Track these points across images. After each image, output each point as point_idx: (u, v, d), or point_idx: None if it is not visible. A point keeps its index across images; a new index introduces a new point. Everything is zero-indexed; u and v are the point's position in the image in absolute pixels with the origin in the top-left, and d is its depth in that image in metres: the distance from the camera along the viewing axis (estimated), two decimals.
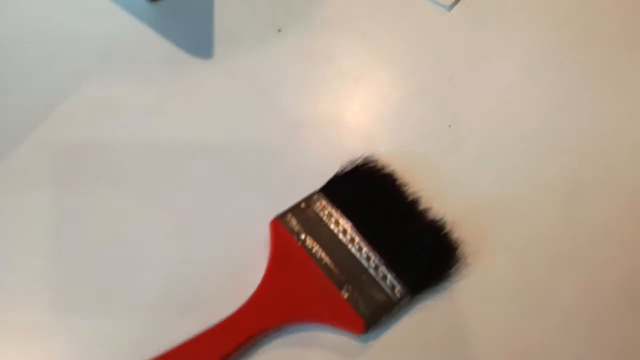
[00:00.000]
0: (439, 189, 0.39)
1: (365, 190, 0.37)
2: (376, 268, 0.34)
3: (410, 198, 0.37)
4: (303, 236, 0.35)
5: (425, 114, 0.43)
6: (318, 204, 0.36)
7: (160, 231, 0.37)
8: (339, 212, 0.36)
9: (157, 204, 0.38)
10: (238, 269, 0.35)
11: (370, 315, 0.33)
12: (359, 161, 0.38)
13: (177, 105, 0.42)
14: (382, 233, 0.35)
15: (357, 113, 0.43)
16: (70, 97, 0.42)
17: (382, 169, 0.38)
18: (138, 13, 0.46)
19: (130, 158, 0.40)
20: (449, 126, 0.43)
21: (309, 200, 0.36)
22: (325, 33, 0.46)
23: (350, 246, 0.34)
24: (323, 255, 0.34)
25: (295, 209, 0.36)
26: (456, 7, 0.50)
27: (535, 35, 0.49)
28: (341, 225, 0.35)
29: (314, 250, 0.34)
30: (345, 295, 0.33)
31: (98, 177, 0.39)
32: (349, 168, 0.38)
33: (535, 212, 0.39)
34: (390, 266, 0.34)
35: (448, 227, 0.36)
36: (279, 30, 0.46)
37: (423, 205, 0.37)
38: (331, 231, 0.35)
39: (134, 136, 0.40)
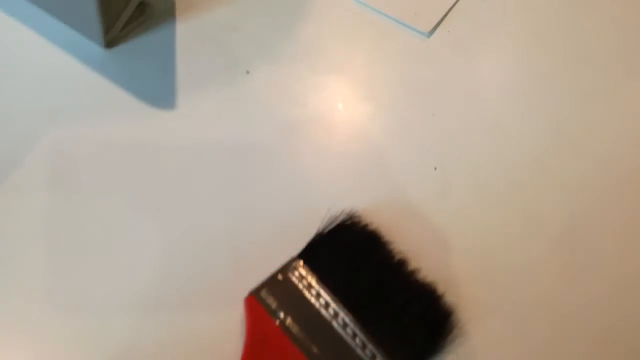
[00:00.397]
0: (427, 243, 0.35)
1: (348, 254, 0.33)
2: (363, 347, 0.30)
3: (397, 259, 0.33)
4: (282, 315, 0.30)
5: (409, 157, 0.39)
6: (296, 273, 0.32)
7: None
8: (319, 281, 0.32)
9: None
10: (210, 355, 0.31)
11: None
12: (339, 219, 0.34)
13: (139, 160, 0.37)
14: (368, 303, 0.31)
15: (334, 161, 0.39)
16: (24, 160, 0.37)
17: (365, 226, 0.34)
18: (92, 61, 0.41)
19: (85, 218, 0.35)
20: (435, 169, 0.39)
21: (285, 269, 0.32)
22: (297, 72, 0.42)
23: (334, 323, 0.30)
24: (304, 336, 0.30)
25: (271, 282, 0.32)
26: (436, 32, 0.46)
27: (520, 59, 0.45)
28: (322, 298, 0.31)
29: (294, 331, 0.30)
30: None
31: None
32: (328, 228, 0.34)
33: (534, 266, 0.35)
34: (379, 343, 0.30)
35: (440, 291, 0.33)
36: (248, 72, 0.42)
37: (411, 266, 0.33)
38: (312, 306, 0.31)
39: (92, 195, 0.36)
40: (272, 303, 0.31)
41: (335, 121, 0.40)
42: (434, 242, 0.36)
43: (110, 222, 0.35)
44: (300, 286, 0.32)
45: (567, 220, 0.37)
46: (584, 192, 0.38)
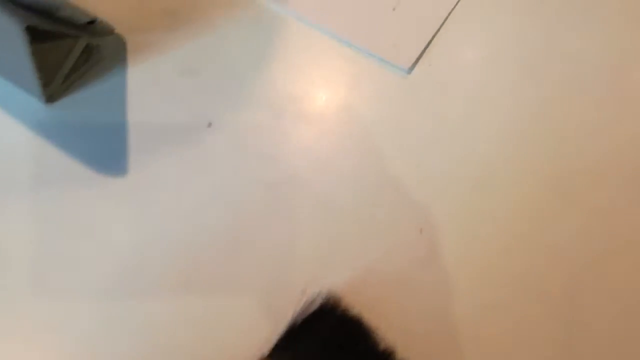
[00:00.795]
0: (415, 325, 0.31)
1: (326, 350, 0.28)
2: None
3: (382, 350, 0.29)
4: None
5: (392, 219, 0.34)
6: None
7: None
8: None
9: None
10: None
11: None
12: (315, 303, 0.30)
13: (86, 238, 0.32)
14: None
15: (310, 227, 0.34)
16: None
17: (344, 312, 0.30)
18: (32, 119, 0.36)
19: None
20: (421, 231, 0.34)
21: None
22: (265, 121, 0.37)
23: None
24: None
25: None
26: (416, 67, 0.41)
27: (510, 93, 0.40)
28: None
29: None
30: None
31: None
32: (303, 316, 0.29)
33: (534, 344, 0.31)
34: None
35: None
36: (210, 124, 0.37)
37: (398, 356, 0.29)
38: None
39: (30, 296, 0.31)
40: None
41: (310, 180, 0.35)
42: (422, 323, 0.31)
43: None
44: None
45: (565, 286, 0.33)
46: (583, 252, 0.34)
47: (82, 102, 0.37)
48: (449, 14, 0.43)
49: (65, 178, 0.34)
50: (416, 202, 0.35)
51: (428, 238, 0.34)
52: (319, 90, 0.39)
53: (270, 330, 0.29)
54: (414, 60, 0.41)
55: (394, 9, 0.43)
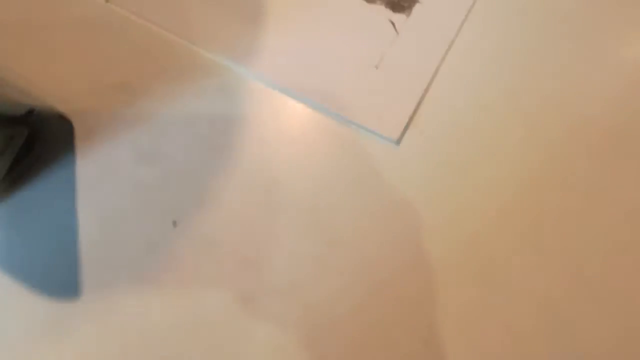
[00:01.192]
0: None
1: None
2: None
3: None
4: None
5: (391, 329, 0.30)
6: None
7: None
8: None
9: None
10: None
11: None
12: None
13: None
14: None
15: (293, 352, 0.29)
16: None
17: None
18: None
19: None
20: (425, 343, 0.30)
21: None
22: (238, 216, 0.32)
23: None
24: None
25: None
26: (406, 136, 0.36)
27: (509, 158, 0.36)
28: None
29: None
30: None
31: None
32: None
33: None
34: None
35: None
36: (175, 223, 0.32)
37: None
38: None
39: None
40: None
41: (294, 289, 0.31)
42: None
43: None
44: None
45: None
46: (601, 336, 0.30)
47: (23, 205, 0.31)
48: (438, 69, 0.39)
49: (5, 304, 0.29)
50: (417, 306, 0.31)
51: (433, 351, 0.30)
52: (297, 172, 0.34)
53: None
54: (402, 129, 0.36)
55: (376, 67, 0.38)
